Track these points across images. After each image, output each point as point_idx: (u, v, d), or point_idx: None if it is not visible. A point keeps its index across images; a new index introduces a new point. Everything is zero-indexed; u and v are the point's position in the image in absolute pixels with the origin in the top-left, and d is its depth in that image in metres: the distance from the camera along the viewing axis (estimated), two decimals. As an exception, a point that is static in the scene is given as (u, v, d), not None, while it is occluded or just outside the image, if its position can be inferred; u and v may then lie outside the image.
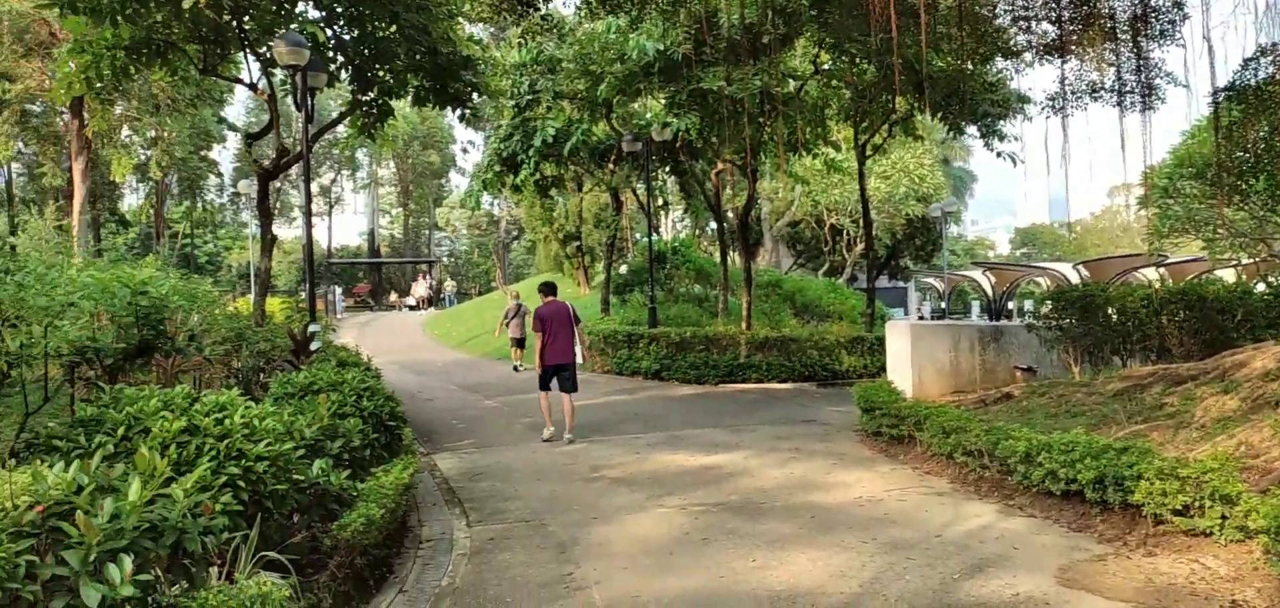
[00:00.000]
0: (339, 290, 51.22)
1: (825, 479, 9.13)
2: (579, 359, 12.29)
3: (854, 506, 8.03)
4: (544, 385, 12.20)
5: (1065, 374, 12.45)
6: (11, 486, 3.81)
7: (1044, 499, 7.66)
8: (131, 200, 58.03)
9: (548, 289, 12.53)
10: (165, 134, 39.43)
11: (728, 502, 8.28)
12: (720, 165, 21.94)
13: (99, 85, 13.91)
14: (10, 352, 5.53)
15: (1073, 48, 15.38)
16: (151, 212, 53.76)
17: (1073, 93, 16.21)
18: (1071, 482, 7.30)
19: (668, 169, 24.55)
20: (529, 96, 21.78)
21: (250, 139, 22.85)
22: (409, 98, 15.93)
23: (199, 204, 60.17)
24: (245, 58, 14.78)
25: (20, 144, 37.69)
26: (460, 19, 16.01)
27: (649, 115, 22.10)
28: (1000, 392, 11.92)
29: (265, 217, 15.78)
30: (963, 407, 10.93)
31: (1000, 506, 7.85)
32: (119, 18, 12.17)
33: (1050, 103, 16.41)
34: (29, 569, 3.48)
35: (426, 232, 72.71)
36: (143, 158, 42.03)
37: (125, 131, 38.06)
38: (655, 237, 25.11)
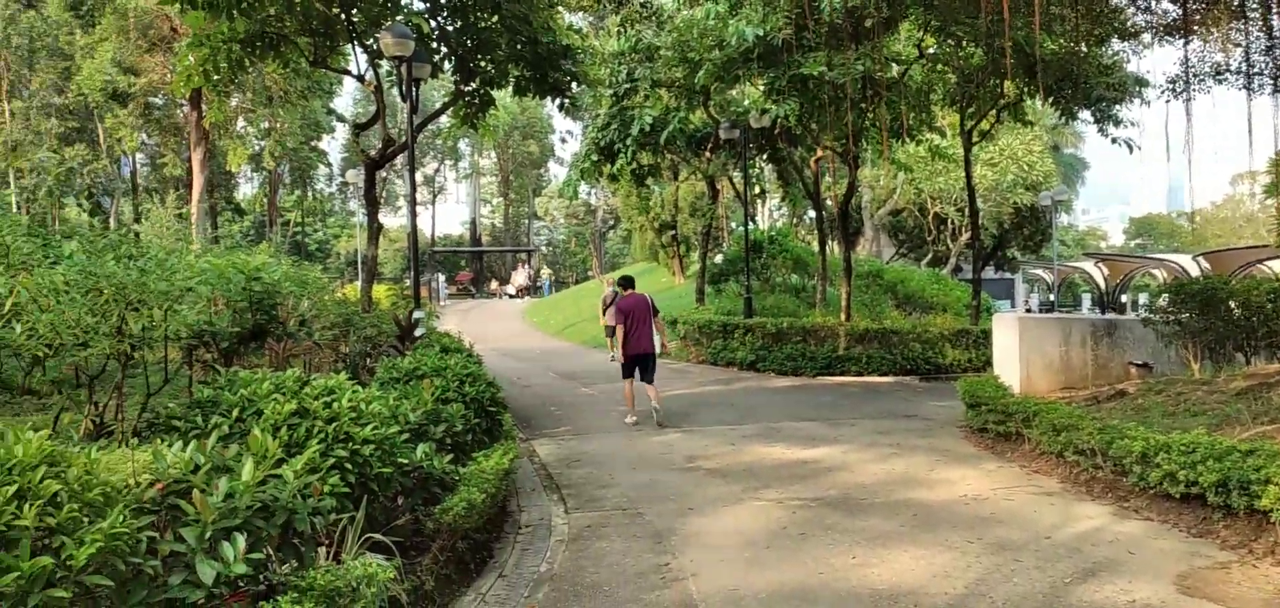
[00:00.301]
0: (442, 278, 52.36)
1: (928, 476, 8.91)
2: (658, 349, 12.83)
3: (958, 504, 7.80)
4: (628, 374, 12.67)
5: (1184, 371, 11.88)
6: (134, 463, 3.97)
7: (1161, 502, 7.31)
8: (246, 190, 60.48)
9: (627, 282, 13.26)
10: (278, 125, 40.96)
11: (826, 497, 8.15)
12: (820, 152, 21.61)
13: (216, 78, 14.46)
14: (133, 335, 5.78)
15: (1196, 27, 14.66)
16: (265, 200, 55.96)
17: (1195, 75, 15.45)
18: (1192, 485, 6.95)
19: (765, 157, 24.30)
20: (627, 85, 21.81)
21: (358, 129, 23.50)
22: (510, 88, 16.13)
23: (309, 193, 62.36)
24: (353, 50, 15.21)
25: (144, 135, 39.62)
26: (560, 8, 16.14)
27: (747, 102, 21.89)
28: (1114, 388, 11.45)
29: (372, 205, 16.21)
30: (1074, 403, 10.54)
31: (1114, 508, 7.53)
32: (235, 12, 12.63)
33: (1170, 86, 15.68)
34: (150, 545, 3.63)
35: (526, 221, 73.79)
36: (257, 148, 43.75)
37: (240, 123, 39.68)
38: (752, 225, 24.90)
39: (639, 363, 12.53)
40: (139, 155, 44.77)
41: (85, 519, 3.41)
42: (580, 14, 25.41)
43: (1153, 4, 14.79)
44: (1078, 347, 12.96)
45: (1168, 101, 16.39)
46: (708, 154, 23.44)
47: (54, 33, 36.24)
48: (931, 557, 6.32)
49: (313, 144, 52.82)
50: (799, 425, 12.04)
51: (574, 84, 16.28)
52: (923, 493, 8.21)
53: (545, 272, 59.58)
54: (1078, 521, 7.18)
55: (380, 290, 26.16)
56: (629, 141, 21.81)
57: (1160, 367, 12.62)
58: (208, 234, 34.14)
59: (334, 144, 63.87)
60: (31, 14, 36.42)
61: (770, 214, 49.84)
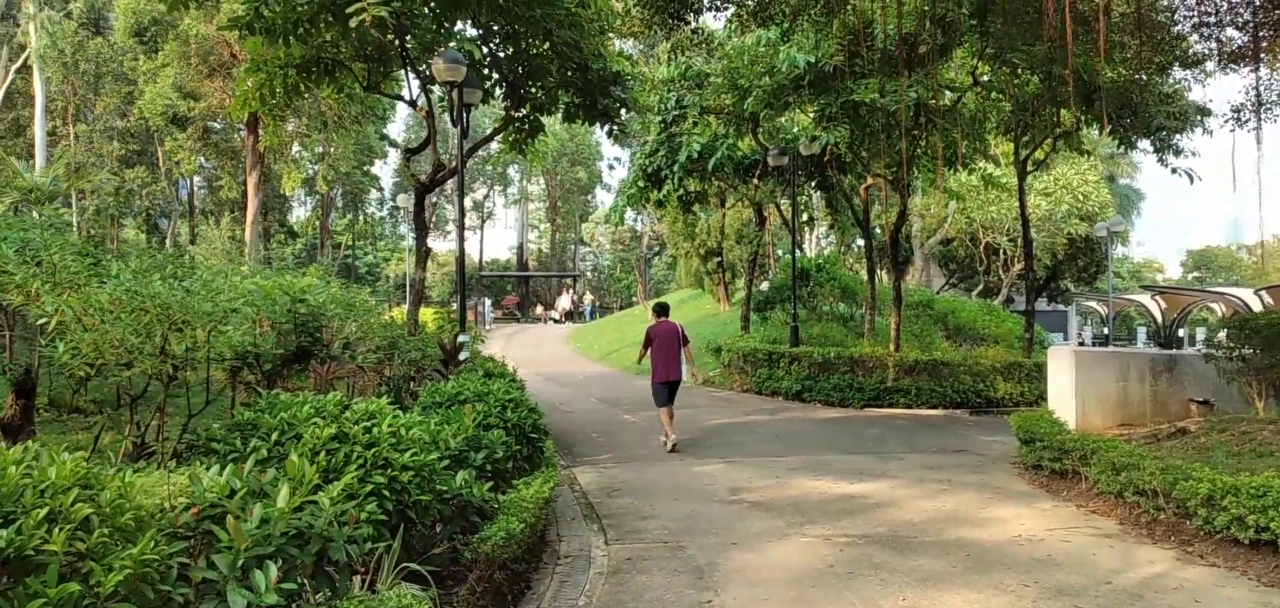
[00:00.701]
0: (488, 302, 52.67)
1: (980, 514, 8.63)
2: (685, 377, 13.13)
3: (1012, 544, 7.53)
4: (660, 401, 12.79)
5: (1248, 409, 11.46)
6: (170, 487, 3.93)
7: (1229, 548, 6.99)
8: (300, 213, 61.49)
9: (660, 310, 13.43)
10: (331, 150, 41.60)
11: (874, 534, 7.92)
12: (870, 180, 21.35)
13: (272, 102, 14.66)
14: (176, 355, 5.78)
15: (1264, 54, 14.26)
16: (317, 223, 56.86)
17: (1262, 104, 15.01)
18: (1262, 530, 6.64)
19: (814, 184, 24.07)
20: (675, 112, 21.78)
21: (409, 154, 23.71)
22: (559, 114, 16.17)
23: (361, 217, 63.26)
24: (406, 75, 15.32)
25: (202, 158, 40.51)
26: (611, 35, 16.14)
27: (796, 129, 21.72)
28: (1174, 426, 11.06)
29: (421, 229, 16.29)
30: (1132, 441, 10.18)
31: (1177, 552, 7.22)
32: (291, 38, 12.80)
33: (1234, 114, 15.28)
34: (181, 571, 3.56)
35: (572, 246, 74.11)
36: (311, 172, 44.45)
37: (295, 147, 40.37)
38: (799, 253, 24.65)
39: (668, 388, 12.67)
40: (196, 178, 45.74)
41: (116, 544, 3.36)
42: (631, 41, 25.43)
43: (1218, 33, 14.43)
44: (1136, 382, 12.58)
45: (1232, 131, 15.93)
46: (755, 181, 23.29)
47: (119, 59, 37.26)
48: (985, 600, 6.08)
49: (365, 169, 53.61)
50: (846, 458, 11.79)
51: (623, 110, 16.24)
52: (975, 532, 7.95)
53: (588, 297, 59.76)
54: (1139, 565, 6.89)
55: (427, 313, 26.34)
56: (676, 168, 21.77)
57: (1222, 404, 12.20)
58: (260, 255, 34.69)
59: (386, 169, 64.97)
60: (99, 41, 37.51)
61: (817, 242, 49.45)
